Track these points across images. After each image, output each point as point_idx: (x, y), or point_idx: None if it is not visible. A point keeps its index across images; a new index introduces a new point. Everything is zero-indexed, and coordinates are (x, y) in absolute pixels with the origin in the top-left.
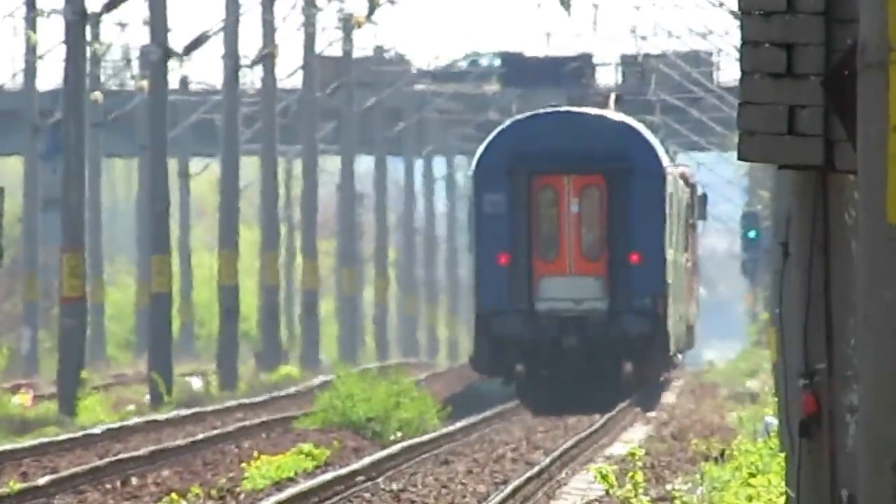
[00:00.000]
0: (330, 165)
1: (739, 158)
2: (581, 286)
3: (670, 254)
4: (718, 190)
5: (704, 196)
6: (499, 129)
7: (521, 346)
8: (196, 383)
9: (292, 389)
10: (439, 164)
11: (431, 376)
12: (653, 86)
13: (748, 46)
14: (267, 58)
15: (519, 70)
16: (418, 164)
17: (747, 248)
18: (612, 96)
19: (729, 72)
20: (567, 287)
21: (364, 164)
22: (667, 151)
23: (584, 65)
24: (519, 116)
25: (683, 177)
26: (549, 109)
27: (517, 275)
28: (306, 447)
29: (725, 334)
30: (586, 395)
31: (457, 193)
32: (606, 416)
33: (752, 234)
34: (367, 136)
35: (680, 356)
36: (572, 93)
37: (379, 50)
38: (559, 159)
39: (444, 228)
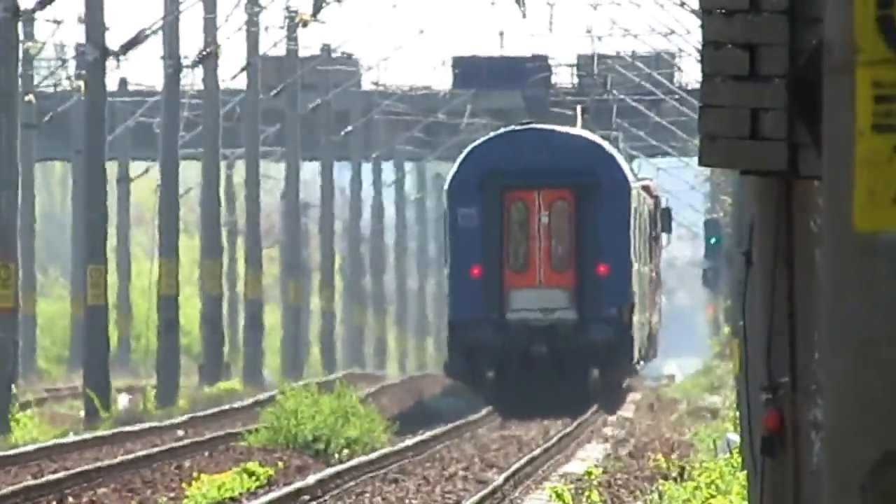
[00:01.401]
0: (274, 171)
1: (700, 164)
2: (550, 297)
3: (635, 265)
4: (680, 196)
5: (668, 210)
6: (472, 145)
7: (492, 354)
8: (123, 400)
9: (235, 405)
10: (388, 170)
11: (380, 390)
12: (610, 87)
13: (709, 47)
14: (209, 58)
15: (471, 70)
16: (366, 170)
17: (709, 256)
18: (579, 110)
19: (690, 73)
20: (537, 298)
21: (309, 171)
22: (627, 159)
23: (539, 66)
24: (491, 134)
25: (647, 190)
26: (521, 126)
27: (489, 286)
28: (250, 466)
29: (686, 347)
30: (555, 400)
31: (405, 200)
32: (561, 432)
33: (713, 240)
34: (313, 140)
35: (642, 363)
36: (528, 94)
37: (325, 49)
38: (530, 175)
39: (392, 236)
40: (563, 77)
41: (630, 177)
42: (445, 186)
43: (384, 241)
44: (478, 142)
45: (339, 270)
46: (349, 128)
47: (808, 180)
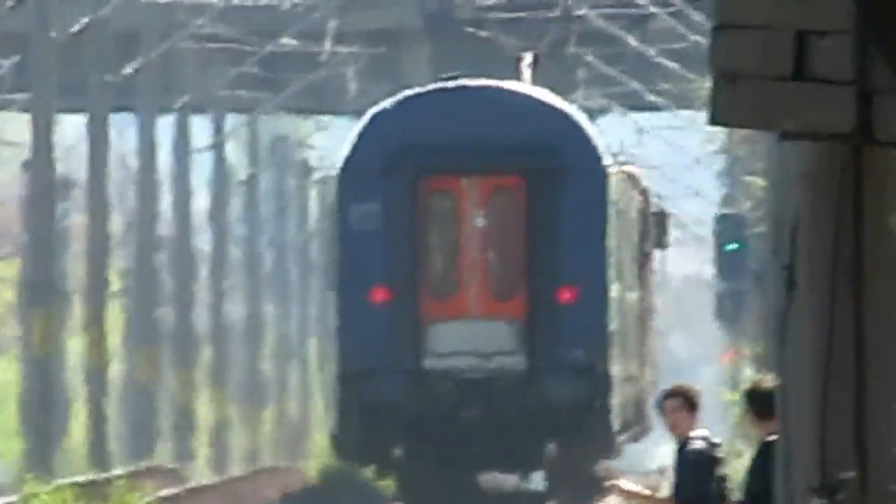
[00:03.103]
0: (13, 129)
1: (712, 122)
2: (489, 334)
3: (615, 289)
4: (677, 175)
5: (664, 214)
6: (374, 110)
7: (403, 419)
8: None
9: None
10: (200, 128)
11: (183, 496)
12: None
13: None
14: None
15: None
16: (164, 127)
17: (725, 272)
18: (528, 59)
19: None
20: (469, 336)
21: (73, 129)
22: (593, 114)
23: None
24: (401, 94)
25: (634, 180)
26: (444, 84)
27: (398, 318)
28: None
29: None
30: (494, 491)
31: (230, 176)
32: None
33: (732, 246)
34: (78, 81)
35: (625, 439)
36: (429, 7)
37: None
38: (458, 153)
39: (207, 237)
40: None
41: (607, 158)
42: (334, 171)
43: (193, 245)
44: (382, 105)
45: (119, 294)
46: (137, 61)
47: (888, 148)
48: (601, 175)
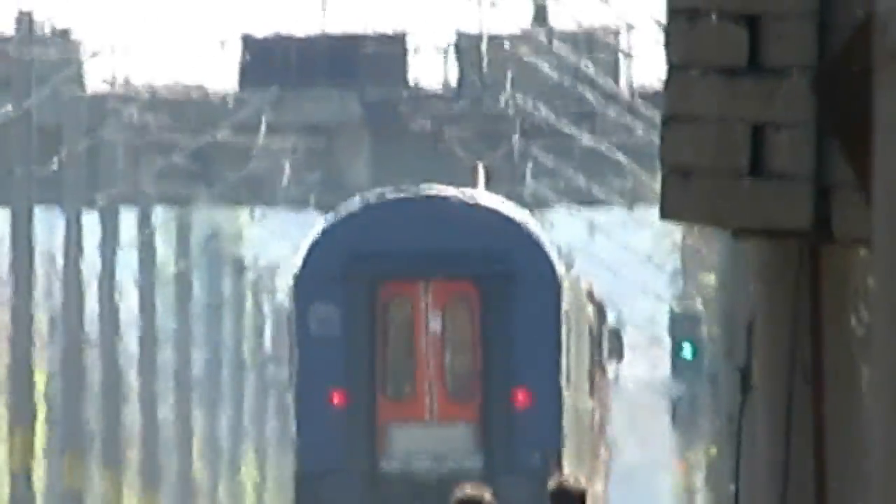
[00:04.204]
0: None
1: (663, 217)
2: (445, 437)
3: (570, 394)
4: (627, 274)
5: (618, 331)
6: (331, 219)
7: None
8: None
9: None
10: (128, 222)
11: None
12: (510, 88)
13: (680, 18)
14: None
15: (271, 58)
16: (91, 222)
17: (679, 374)
18: (480, 170)
19: (647, 65)
20: (426, 438)
21: None
22: (539, 209)
23: (390, 50)
24: (358, 202)
25: (589, 293)
26: (401, 193)
27: (356, 420)
28: None
29: None
30: None
31: (157, 272)
32: None
33: (686, 349)
34: (1, 173)
35: None
36: (368, 96)
37: (24, 21)
38: (414, 260)
39: (135, 335)
40: (433, 71)
41: (560, 267)
42: (292, 276)
43: (122, 344)
44: (340, 214)
45: (44, 396)
46: (62, 153)
47: (847, 247)
48: (553, 282)
